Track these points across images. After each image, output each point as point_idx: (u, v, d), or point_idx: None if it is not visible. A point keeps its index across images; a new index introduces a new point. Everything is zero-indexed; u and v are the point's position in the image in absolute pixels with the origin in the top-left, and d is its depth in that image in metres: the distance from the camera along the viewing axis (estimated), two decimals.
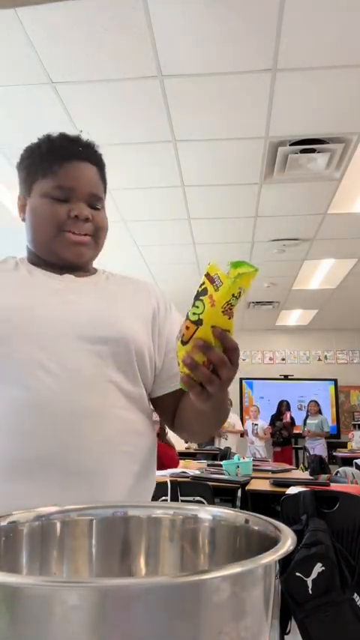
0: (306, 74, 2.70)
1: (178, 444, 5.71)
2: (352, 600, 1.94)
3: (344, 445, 8.39)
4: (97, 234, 1.00)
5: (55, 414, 0.85)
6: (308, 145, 3.33)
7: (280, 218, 4.58)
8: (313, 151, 3.39)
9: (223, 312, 0.68)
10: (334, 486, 3.50)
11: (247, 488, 3.75)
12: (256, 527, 0.56)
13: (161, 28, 2.39)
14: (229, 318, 0.69)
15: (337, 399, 9.44)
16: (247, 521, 0.58)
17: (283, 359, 9.69)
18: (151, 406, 1.04)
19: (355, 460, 6.58)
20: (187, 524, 0.62)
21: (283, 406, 8.63)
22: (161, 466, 4.19)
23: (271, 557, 0.42)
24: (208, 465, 4.76)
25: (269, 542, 0.49)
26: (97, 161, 1.01)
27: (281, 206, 4.31)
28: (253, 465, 4.47)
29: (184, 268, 5.95)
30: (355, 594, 1.98)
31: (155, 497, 1.04)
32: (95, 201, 0.99)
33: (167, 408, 1.03)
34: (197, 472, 4.07)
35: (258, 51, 2.53)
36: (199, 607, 0.38)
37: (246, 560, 0.40)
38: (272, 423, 8.42)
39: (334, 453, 8.01)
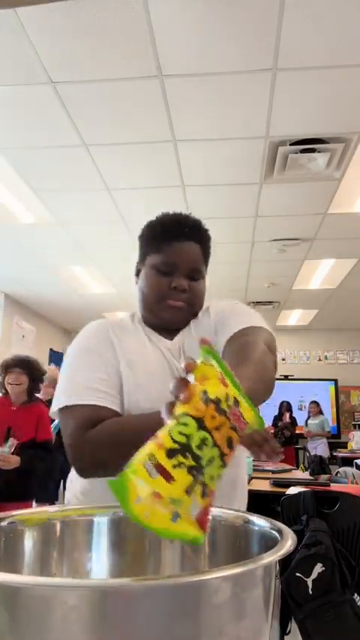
0: (306, 74, 2.69)
1: None
2: (353, 601, 1.94)
3: (344, 445, 8.39)
4: (193, 302, 1.15)
5: None
6: (308, 144, 3.33)
7: (280, 218, 4.58)
8: (313, 150, 3.39)
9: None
10: (334, 486, 3.50)
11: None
12: (256, 528, 0.56)
13: (161, 28, 2.39)
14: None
15: (338, 399, 9.44)
16: (247, 521, 0.58)
17: (284, 359, 9.69)
18: None
19: (355, 460, 6.58)
20: None
21: (284, 407, 8.64)
22: None
23: (272, 557, 0.42)
24: None
25: (269, 542, 0.49)
26: (200, 239, 1.19)
27: (281, 206, 4.31)
28: (254, 465, 4.46)
29: None
30: (356, 595, 1.97)
31: None
32: (194, 274, 1.15)
33: None
34: None
35: (258, 51, 2.53)
36: (200, 607, 0.38)
37: (246, 561, 0.40)
38: (274, 423, 8.44)
39: (335, 453, 8.02)
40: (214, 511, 0.63)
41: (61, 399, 1.00)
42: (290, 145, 3.34)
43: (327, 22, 2.35)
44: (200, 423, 0.50)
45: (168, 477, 0.47)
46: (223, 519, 0.61)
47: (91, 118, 3.07)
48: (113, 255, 5.63)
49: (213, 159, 3.55)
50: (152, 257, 1.15)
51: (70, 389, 1.01)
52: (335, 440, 8.64)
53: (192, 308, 1.15)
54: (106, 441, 0.92)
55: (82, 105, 2.95)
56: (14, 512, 0.59)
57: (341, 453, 7.84)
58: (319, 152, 3.40)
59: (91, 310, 8.13)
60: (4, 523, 0.57)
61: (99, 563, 0.62)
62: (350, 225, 4.68)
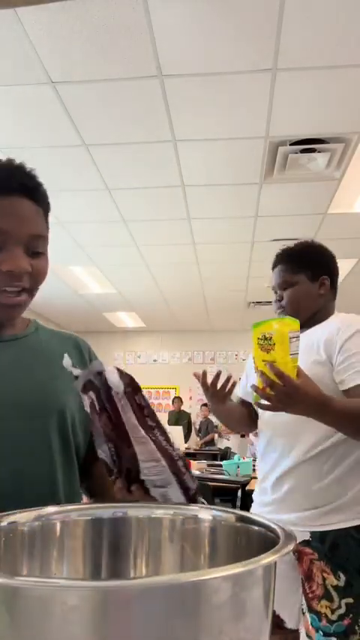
0: (306, 74, 2.69)
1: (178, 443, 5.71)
2: None
3: None
4: (288, 304, 1.62)
5: None
6: (308, 144, 3.33)
7: (280, 218, 4.58)
8: (313, 150, 3.39)
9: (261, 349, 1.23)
10: None
11: (247, 488, 3.75)
12: (256, 527, 0.56)
13: (161, 28, 2.39)
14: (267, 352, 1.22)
15: None
16: (247, 521, 0.58)
17: None
18: None
19: None
20: (187, 525, 0.62)
21: None
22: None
23: (271, 557, 0.42)
24: (208, 466, 4.75)
25: (269, 542, 0.49)
26: (286, 260, 1.64)
27: (281, 206, 4.31)
28: (253, 466, 4.46)
29: (184, 268, 5.94)
30: None
31: None
32: (284, 285, 1.62)
33: None
34: (197, 472, 4.06)
35: (258, 51, 2.52)
36: (199, 607, 0.38)
37: (246, 561, 0.40)
38: None
39: None
40: (214, 511, 0.63)
41: None
42: (290, 145, 3.34)
43: (327, 22, 2.35)
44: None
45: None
46: (223, 519, 0.61)
47: (91, 118, 3.07)
48: (113, 255, 5.63)
49: (213, 159, 3.55)
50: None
51: None
52: None
53: (291, 308, 1.54)
54: None
55: (82, 105, 2.95)
56: (14, 512, 0.59)
57: None
58: (319, 152, 3.40)
59: (91, 310, 8.13)
60: (4, 523, 0.57)
61: (99, 563, 0.62)
62: (350, 225, 4.68)
